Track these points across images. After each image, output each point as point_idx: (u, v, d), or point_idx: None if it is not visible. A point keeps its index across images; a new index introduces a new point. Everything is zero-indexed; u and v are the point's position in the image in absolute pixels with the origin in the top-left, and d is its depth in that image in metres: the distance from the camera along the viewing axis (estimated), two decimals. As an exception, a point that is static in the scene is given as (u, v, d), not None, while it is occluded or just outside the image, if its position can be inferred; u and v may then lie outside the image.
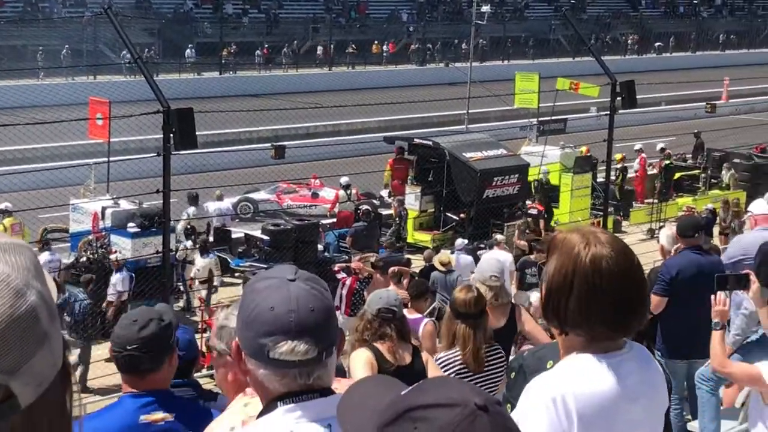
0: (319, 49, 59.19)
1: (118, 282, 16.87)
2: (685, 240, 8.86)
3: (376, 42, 60.95)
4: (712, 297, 5.97)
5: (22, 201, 19.74)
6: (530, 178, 25.06)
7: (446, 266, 16.05)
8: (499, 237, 18.96)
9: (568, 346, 2.73)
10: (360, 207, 23.90)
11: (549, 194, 24.91)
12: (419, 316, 8.48)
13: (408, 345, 5.95)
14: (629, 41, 72.74)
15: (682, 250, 8.86)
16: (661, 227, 21.48)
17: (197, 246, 19.19)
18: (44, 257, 17.25)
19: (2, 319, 1.31)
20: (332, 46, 59.27)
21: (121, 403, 3.81)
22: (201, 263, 18.70)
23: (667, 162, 29.25)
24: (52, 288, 1.43)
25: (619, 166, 27.42)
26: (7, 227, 20.49)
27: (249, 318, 2.21)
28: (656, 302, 8.40)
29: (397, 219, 24.09)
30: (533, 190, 25.12)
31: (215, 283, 18.46)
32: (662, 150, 29.73)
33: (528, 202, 24.52)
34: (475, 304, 6.30)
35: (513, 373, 3.67)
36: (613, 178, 25.56)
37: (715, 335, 5.99)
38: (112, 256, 17.51)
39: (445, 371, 6.16)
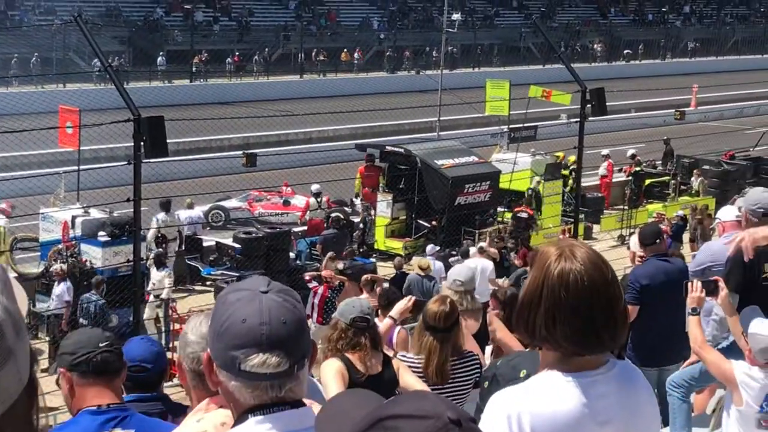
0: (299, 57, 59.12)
1: (63, 293, 16.75)
2: (648, 248, 8.97)
3: (345, 50, 60.93)
4: (688, 284, 6.12)
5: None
6: (523, 187, 25.05)
7: (425, 271, 16.11)
8: (482, 245, 18.86)
9: (543, 361, 2.67)
10: (330, 214, 23.91)
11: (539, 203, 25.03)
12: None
13: (379, 354, 5.93)
14: (598, 48, 73.07)
15: (646, 258, 8.95)
16: (631, 233, 21.64)
17: (152, 258, 18.88)
18: None
19: None
20: (302, 54, 59.18)
21: (80, 421, 3.66)
22: (156, 276, 18.39)
23: (637, 168, 29.40)
24: (22, 301, 1.42)
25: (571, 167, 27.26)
26: None
27: (221, 330, 2.19)
28: (628, 311, 8.42)
29: (361, 225, 24.17)
30: (527, 198, 25.07)
31: (163, 296, 18.12)
32: (633, 156, 29.89)
33: (516, 206, 24.58)
34: (446, 318, 6.26)
35: (486, 383, 3.67)
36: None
37: (692, 320, 6.19)
38: (56, 266, 17.37)
39: None
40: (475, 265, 13.99)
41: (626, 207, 27.15)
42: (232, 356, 2.16)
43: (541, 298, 2.58)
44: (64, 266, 17.30)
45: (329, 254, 17.33)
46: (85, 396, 3.72)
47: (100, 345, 3.74)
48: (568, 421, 2.55)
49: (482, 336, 7.25)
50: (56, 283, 16.97)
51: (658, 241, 9.05)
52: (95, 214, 19.14)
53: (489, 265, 16.66)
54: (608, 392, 2.61)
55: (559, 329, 2.56)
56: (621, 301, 2.63)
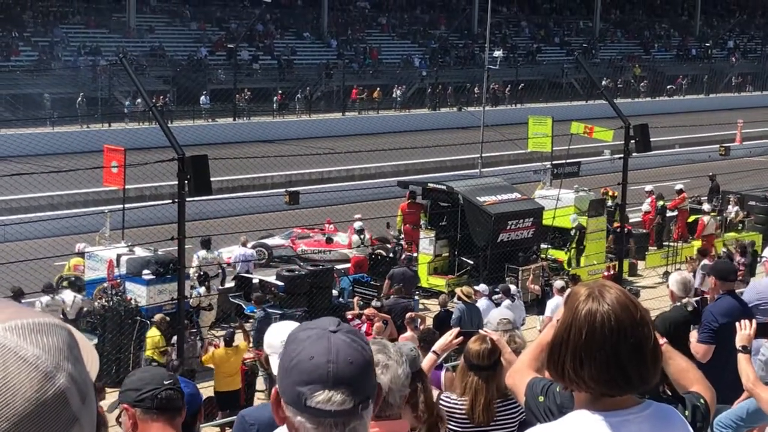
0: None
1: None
2: (726, 284, 8.70)
3: (378, 88, 61.13)
4: (737, 324, 6.08)
5: (38, 249, 19.78)
6: (566, 223, 24.92)
7: (469, 298, 16.06)
8: (558, 283, 18.56)
9: (576, 400, 2.67)
10: (374, 251, 23.96)
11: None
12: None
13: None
14: (641, 84, 72.89)
15: (721, 294, 8.68)
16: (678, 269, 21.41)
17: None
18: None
19: (29, 403, 1.30)
20: (343, 92, 59.55)
21: None
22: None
23: (660, 203, 29.22)
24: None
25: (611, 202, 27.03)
26: (70, 266, 20.70)
27: (289, 366, 2.24)
28: (704, 351, 8.21)
29: (390, 254, 24.30)
30: (573, 236, 24.93)
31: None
32: (679, 192, 29.61)
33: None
34: (489, 356, 6.22)
35: (542, 398, 3.60)
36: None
37: (742, 357, 6.20)
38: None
39: (447, 415, 6.08)
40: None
41: (674, 243, 26.87)
42: (299, 392, 2.19)
43: (569, 339, 2.58)
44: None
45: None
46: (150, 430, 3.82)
47: (165, 383, 3.81)
48: None
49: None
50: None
51: (734, 279, 8.88)
52: (140, 252, 19.28)
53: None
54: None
55: (586, 370, 2.55)
56: (651, 342, 2.59)
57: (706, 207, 27.87)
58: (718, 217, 28.87)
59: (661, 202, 29.12)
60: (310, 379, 2.18)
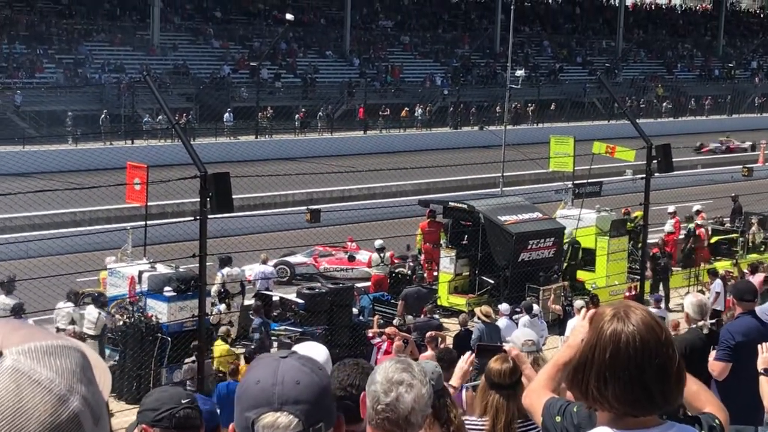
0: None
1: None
2: (744, 304, 8.71)
3: (406, 108, 61.29)
4: (759, 346, 6.06)
5: (60, 265, 19.88)
6: (589, 243, 24.85)
7: (488, 318, 16.01)
8: (578, 303, 18.46)
9: (599, 418, 2.70)
10: (394, 271, 23.95)
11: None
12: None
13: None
14: (663, 104, 72.69)
15: (740, 314, 8.69)
16: (700, 291, 21.29)
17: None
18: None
19: (43, 427, 1.31)
20: (364, 110, 59.71)
21: None
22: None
23: (688, 225, 29.10)
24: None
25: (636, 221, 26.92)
26: (99, 280, 20.85)
27: (239, 394, 2.24)
28: (721, 368, 8.20)
29: (410, 273, 24.33)
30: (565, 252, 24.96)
31: None
32: (697, 212, 29.49)
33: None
34: (510, 374, 6.21)
35: (558, 418, 3.60)
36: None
37: (764, 380, 6.27)
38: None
39: None
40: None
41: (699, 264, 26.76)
42: (246, 417, 2.18)
43: (593, 359, 2.61)
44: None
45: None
46: None
47: (182, 401, 3.83)
48: None
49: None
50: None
51: (754, 299, 8.84)
52: (161, 269, 19.33)
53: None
54: None
55: (610, 390, 2.58)
56: (675, 363, 2.62)
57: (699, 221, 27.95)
58: (741, 239, 28.72)
59: (692, 225, 28.93)
60: (257, 402, 2.17)
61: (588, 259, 25.03)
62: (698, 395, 4.14)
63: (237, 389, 2.26)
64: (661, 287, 24.54)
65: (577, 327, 3.24)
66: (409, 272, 24.52)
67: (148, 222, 19.96)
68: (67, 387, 1.35)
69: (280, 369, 2.19)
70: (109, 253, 21.53)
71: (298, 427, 2.15)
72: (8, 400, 1.31)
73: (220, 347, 17.06)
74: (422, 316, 18.87)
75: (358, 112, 59.71)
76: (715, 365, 8.12)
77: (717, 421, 3.87)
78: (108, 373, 1.50)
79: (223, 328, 17.75)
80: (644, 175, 20.02)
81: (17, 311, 17.36)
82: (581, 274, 24.90)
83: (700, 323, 9.04)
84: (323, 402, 2.22)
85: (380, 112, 59.67)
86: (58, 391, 1.33)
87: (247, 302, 21.91)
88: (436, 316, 20.46)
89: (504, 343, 7.66)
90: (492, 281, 23.77)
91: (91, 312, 18.65)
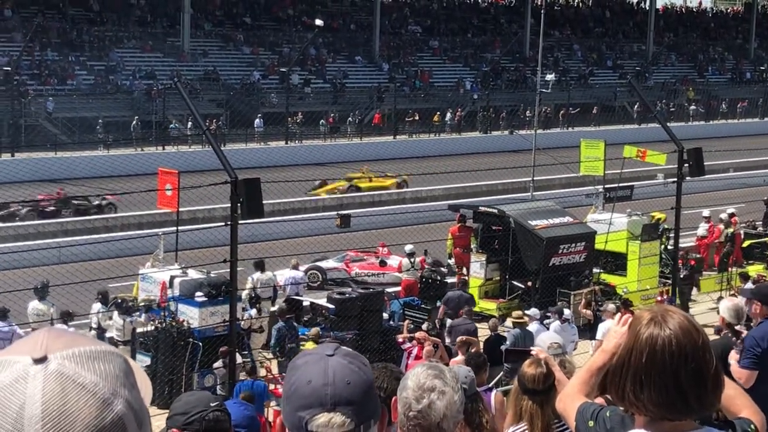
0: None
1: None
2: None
3: (438, 112, 61.28)
4: None
5: (92, 271, 20.01)
6: (620, 248, 24.72)
7: (519, 319, 15.98)
8: (610, 307, 18.36)
9: (636, 422, 2.71)
10: (424, 275, 23.93)
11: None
12: (485, 386, 8.40)
13: None
14: (692, 107, 72.24)
15: (764, 319, 8.45)
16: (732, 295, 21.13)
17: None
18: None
19: (88, 430, 1.33)
20: (394, 115, 59.68)
21: None
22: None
23: (727, 229, 28.86)
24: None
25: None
26: (135, 286, 21.05)
27: (288, 393, 2.27)
28: (747, 376, 8.02)
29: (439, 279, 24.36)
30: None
31: None
32: (730, 216, 29.28)
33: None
34: (545, 379, 6.18)
35: (592, 422, 3.59)
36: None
37: None
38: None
39: None
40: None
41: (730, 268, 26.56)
42: (299, 417, 2.22)
43: (630, 363, 2.62)
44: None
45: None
46: None
47: (211, 404, 3.85)
48: None
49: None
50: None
51: None
52: (193, 274, 19.40)
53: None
54: None
55: (646, 394, 2.59)
56: (712, 367, 2.62)
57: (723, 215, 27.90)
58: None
59: (731, 230, 28.68)
60: (309, 403, 2.21)
61: (619, 264, 24.91)
62: (734, 400, 4.11)
63: (285, 387, 2.29)
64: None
65: (612, 332, 3.24)
66: (439, 277, 24.48)
67: (180, 227, 20.04)
68: (111, 390, 1.37)
69: (330, 368, 2.23)
70: (142, 259, 21.67)
71: (350, 426, 2.21)
72: (54, 404, 1.33)
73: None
74: (459, 317, 18.81)
75: (398, 116, 59.40)
76: (741, 373, 8.01)
77: (752, 426, 3.84)
78: (148, 380, 1.52)
79: (313, 330, 17.71)
80: (676, 179, 19.93)
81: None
82: (609, 278, 24.78)
83: (737, 328, 8.93)
84: (371, 399, 2.29)
85: (407, 118, 59.66)
86: (102, 395, 1.35)
87: (272, 308, 22.00)
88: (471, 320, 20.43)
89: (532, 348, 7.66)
90: (523, 286, 23.71)
91: (117, 320, 18.81)
